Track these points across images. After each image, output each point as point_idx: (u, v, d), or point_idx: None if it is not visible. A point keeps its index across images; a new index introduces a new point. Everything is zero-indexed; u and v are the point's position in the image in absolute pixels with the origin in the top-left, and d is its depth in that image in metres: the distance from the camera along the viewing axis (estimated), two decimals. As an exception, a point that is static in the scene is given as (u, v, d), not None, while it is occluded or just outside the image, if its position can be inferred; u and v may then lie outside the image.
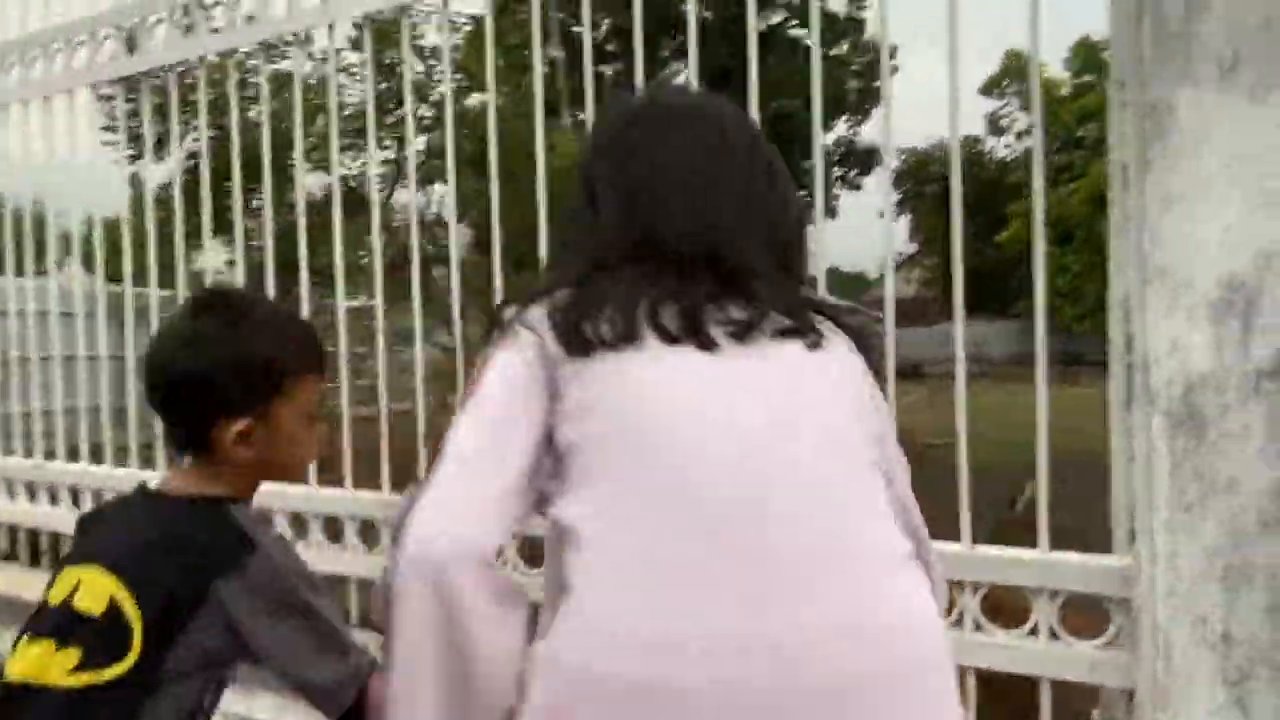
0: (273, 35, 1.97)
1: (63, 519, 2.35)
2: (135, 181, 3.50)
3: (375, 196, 2.02)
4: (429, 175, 4.39)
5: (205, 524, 0.90)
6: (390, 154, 5.80)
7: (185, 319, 0.95)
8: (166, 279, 2.35)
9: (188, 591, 0.84)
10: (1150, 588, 1.13)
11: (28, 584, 2.29)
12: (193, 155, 2.25)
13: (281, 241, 2.10)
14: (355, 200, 2.09)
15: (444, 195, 4.70)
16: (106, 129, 2.71)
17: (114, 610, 0.83)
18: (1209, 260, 1.10)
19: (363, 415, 2.00)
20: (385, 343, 2.01)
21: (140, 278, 2.28)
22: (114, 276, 2.43)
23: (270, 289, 2.19)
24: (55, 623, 0.84)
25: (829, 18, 20.97)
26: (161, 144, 2.52)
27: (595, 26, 15.52)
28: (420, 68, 5.56)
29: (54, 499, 2.42)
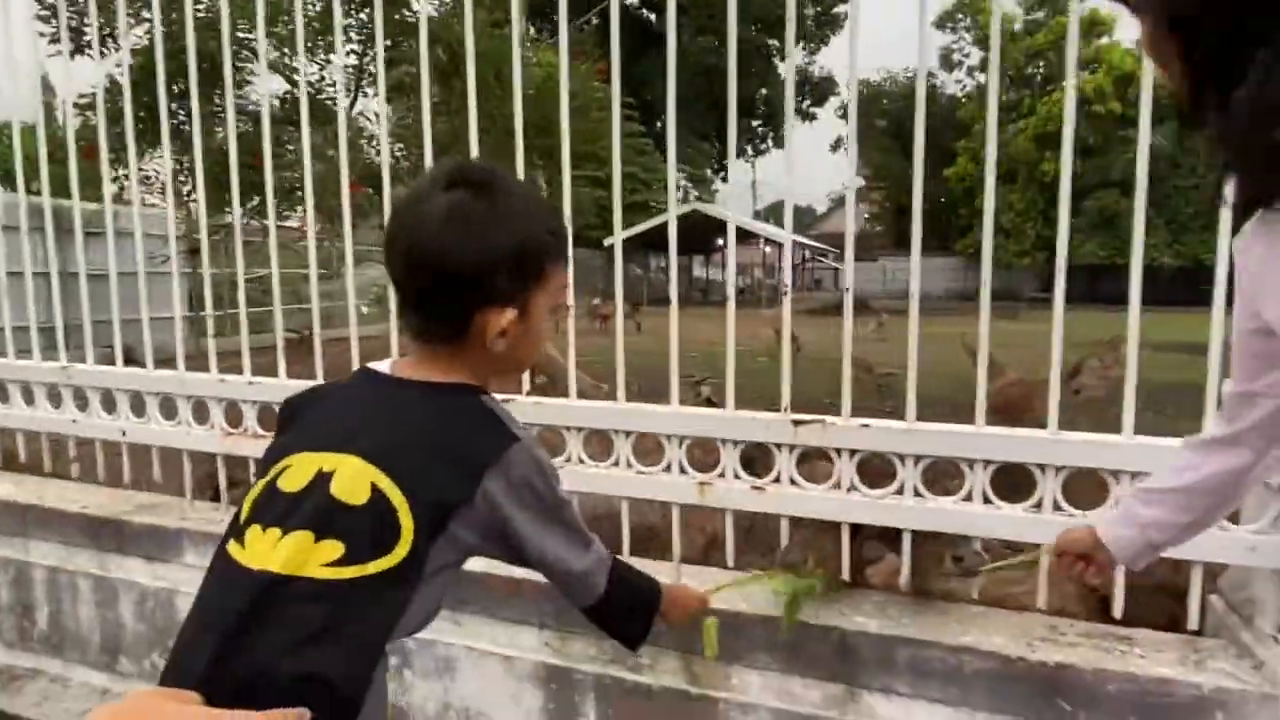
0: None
1: None
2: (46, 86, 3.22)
3: (304, 110, 1.91)
4: (398, 84, 4.10)
5: (469, 414, 0.83)
6: (353, 60, 5.30)
7: (438, 196, 0.81)
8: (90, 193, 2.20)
9: (458, 485, 0.78)
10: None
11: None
12: (136, 53, 2.04)
13: (222, 153, 1.98)
14: (315, 109, 1.97)
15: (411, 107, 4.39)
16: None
17: (378, 500, 0.75)
18: None
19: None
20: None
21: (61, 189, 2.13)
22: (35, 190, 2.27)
23: (202, 203, 2.07)
24: (309, 512, 0.75)
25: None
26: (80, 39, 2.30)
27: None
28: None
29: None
